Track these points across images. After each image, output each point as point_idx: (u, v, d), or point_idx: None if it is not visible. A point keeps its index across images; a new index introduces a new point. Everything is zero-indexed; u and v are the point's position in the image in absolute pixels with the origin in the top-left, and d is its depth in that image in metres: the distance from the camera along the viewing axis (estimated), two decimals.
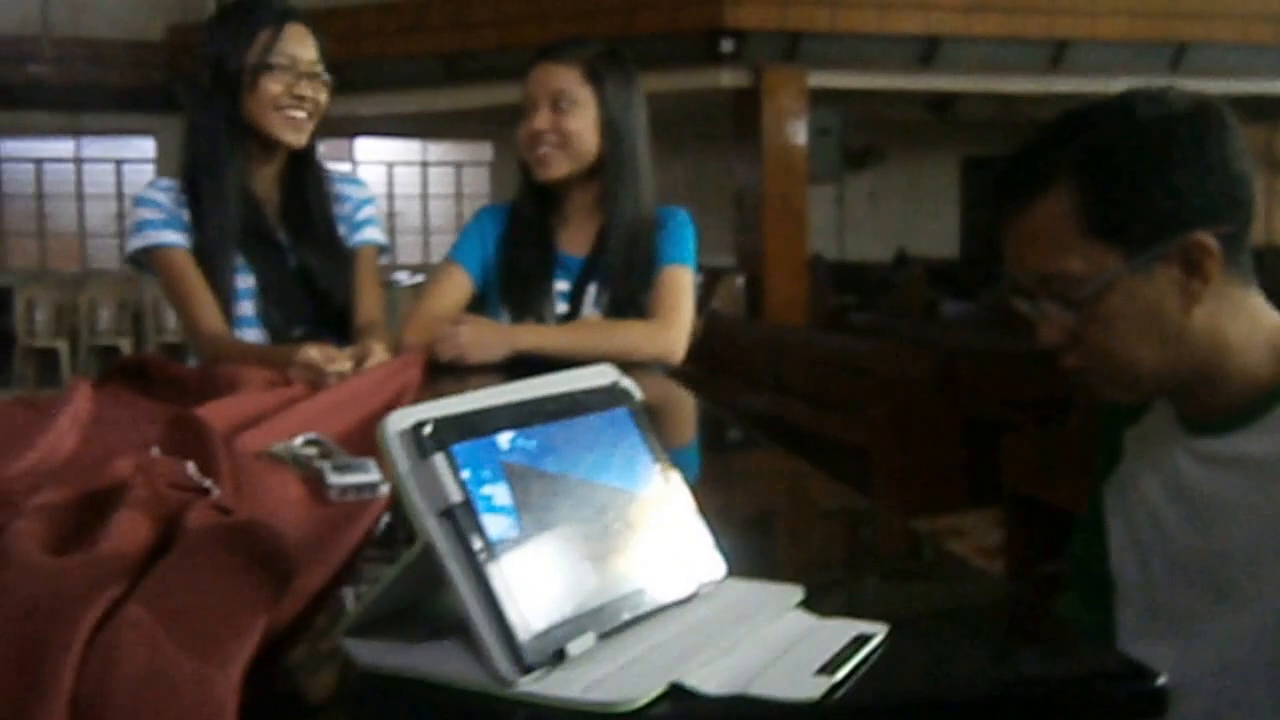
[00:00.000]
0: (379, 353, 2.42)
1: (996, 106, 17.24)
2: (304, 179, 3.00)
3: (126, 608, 0.89)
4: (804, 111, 14.70)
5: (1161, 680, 0.97)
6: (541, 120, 2.92)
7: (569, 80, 2.93)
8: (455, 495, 0.94)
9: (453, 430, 0.97)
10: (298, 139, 2.90)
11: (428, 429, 0.95)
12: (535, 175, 2.97)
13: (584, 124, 2.93)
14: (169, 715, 0.82)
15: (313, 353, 2.30)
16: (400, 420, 0.96)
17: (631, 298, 2.95)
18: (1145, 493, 1.83)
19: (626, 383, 1.18)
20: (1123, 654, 1.05)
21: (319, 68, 2.91)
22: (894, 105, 17.71)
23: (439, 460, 0.95)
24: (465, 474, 0.95)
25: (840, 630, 1.04)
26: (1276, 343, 1.69)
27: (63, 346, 16.25)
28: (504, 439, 1.01)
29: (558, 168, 2.95)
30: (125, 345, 15.97)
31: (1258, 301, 1.70)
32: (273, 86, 2.84)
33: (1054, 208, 1.65)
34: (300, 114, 2.88)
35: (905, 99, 17.10)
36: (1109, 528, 1.92)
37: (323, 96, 2.93)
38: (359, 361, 2.36)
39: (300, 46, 2.89)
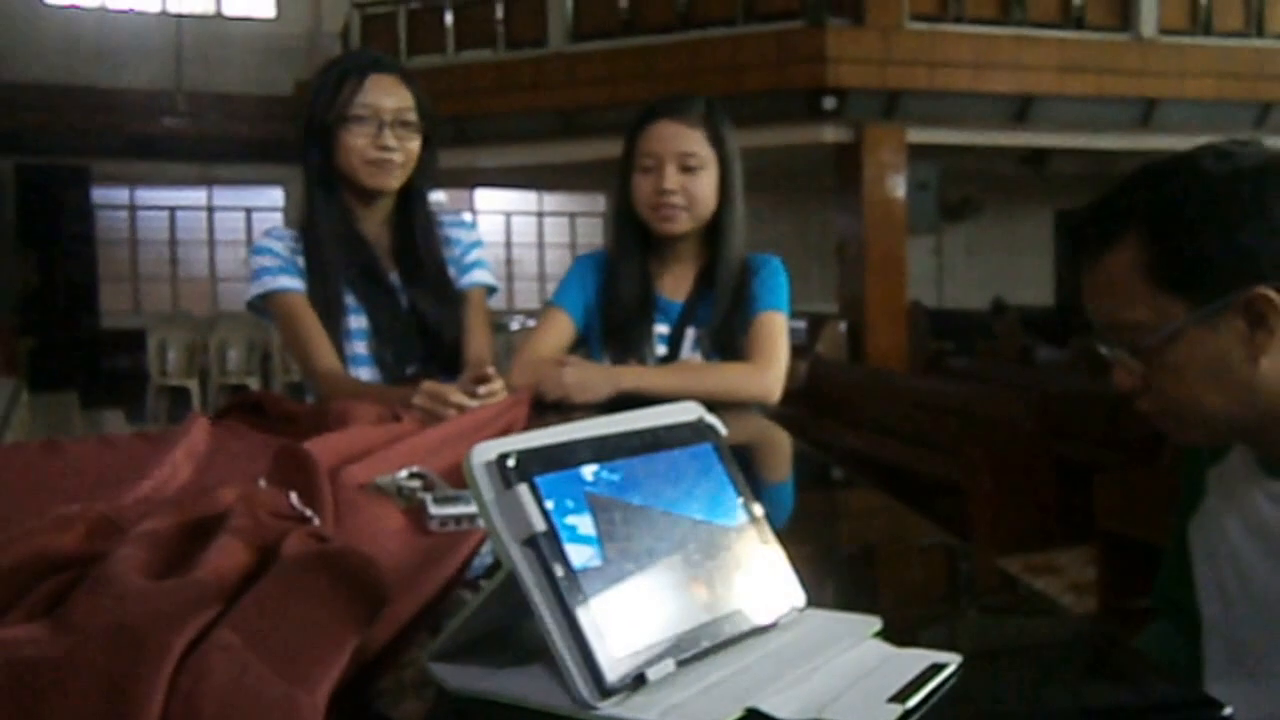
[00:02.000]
0: (494, 378, 2.39)
1: (1088, 162, 17.09)
2: (412, 221, 2.98)
3: (218, 630, 0.88)
4: (903, 166, 14.68)
5: (1228, 712, 0.94)
6: (670, 180, 2.90)
7: (696, 142, 2.92)
8: (539, 524, 0.93)
9: (537, 462, 0.96)
10: (385, 184, 2.88)
11: (512, 460, 0.94)
12: (657, 230, 2.96)
13: (709, 185, 2.93)
14: None
15: (430, 387, 2.31)
16: (485, 452, 0.95)
17: (730, 341, 2.93)
18: (1226, 531, 1.79)
19: (711, 419, 1.17)
20: (1190, 686, 1.02)
21: (410, 115, 2.88)
22: (989, 160, 17.63)
23: (523, 490, 0.93)
24: (549, 504, 0.94)
25: (914, 660, 1.02)
26: None
27: (193, 385, 16.46)
28: (588, 471, 1.00)
29: (682, 226, 2.94)
30: (253, 384, 16.14)
31: None
32: (355, 140, 2.84)
33: (1122, 259, 1.64)
34: (393, 157, 2.86)
35: (1000, 154, 17.02)
36: (1195, 564, 1.88)
37: (413, 144, 2.90)
38: (477, 381, 2.35)
39: (385, 96, 2.86)
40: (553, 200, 22.22)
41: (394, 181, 2.89)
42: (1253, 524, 1.74)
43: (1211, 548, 1.83)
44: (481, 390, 2.34)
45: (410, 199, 2.98)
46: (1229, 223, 1.57)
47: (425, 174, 2.98)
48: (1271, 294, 1.56)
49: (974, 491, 7.74)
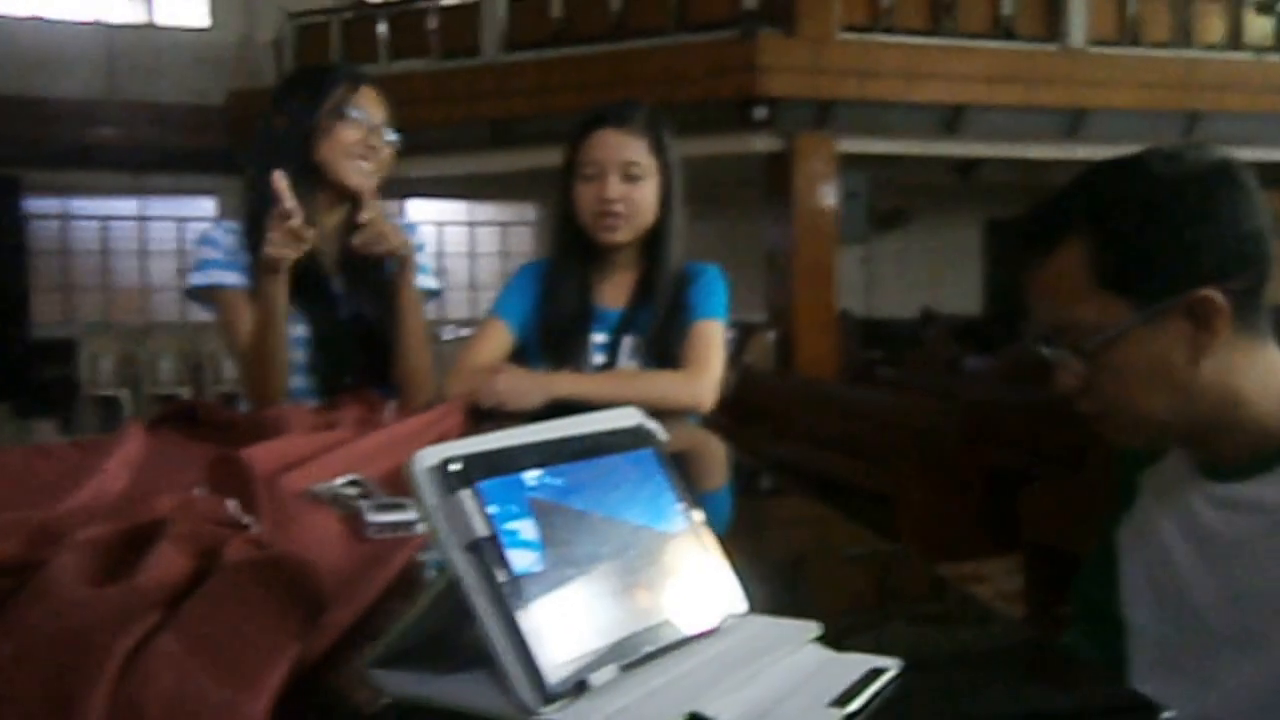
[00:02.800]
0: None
1: (1017, 171, 17.23)
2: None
3: (159, 637, 0.88)
4: (833, 175, 14.75)
5: (1168, 715, 0.95)
6: (613, 189, 2.90)
7: (639, 152, 2.92)
8: (481, 529, 0.93)
9: (480, 467, 0.96)
10: (365, 184, 2.91)
11: (455, 465, 0.94)
12: (599, 239, 2.96)
13: (651, 194, 2.94)
14: None
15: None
16: (428, 457, 0.95)
17: (666, 349, 2.93)
18: (1160, 534, 1.80)
19: (651, 424, 1.17)
20: (1131, 689, 1.03)
21: (388, 131, 2.98)
22: (919, 170, 17.73)
23: (466, 495, 0.94)
24: (492, 509, 0.94)
25: (855, 664, 1.03)
26: None
27: (125, 395, 16.35)
28: (530, 476, 1.00)
29: (624, 235, 2.94)
30: (185, 394, 16.07)
31: (1273, 355, 1.68)
32: (348, 134, 2.90)
33: (1068, 260, 1.64)
34: (367, 165, 2.93)
35: (930, 164, 17.12)
36: (1122, 570, 1.89)
37: (388, 155, 2.98)
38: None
39: (374, 106, 2.96)
40: (485, 210, 22.18)
41: (369, 185, 2.92)
42: (1188, 527, 1.75)
43: (1143, 550, 1.85)
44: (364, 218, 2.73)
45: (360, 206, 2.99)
46: (1175, 224, 1.59)
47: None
48: (1216, 296, 1.57)
49: (902, 501, 7.78)
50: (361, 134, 2.91)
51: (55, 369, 17.99)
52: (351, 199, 2.96)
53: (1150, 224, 1.60)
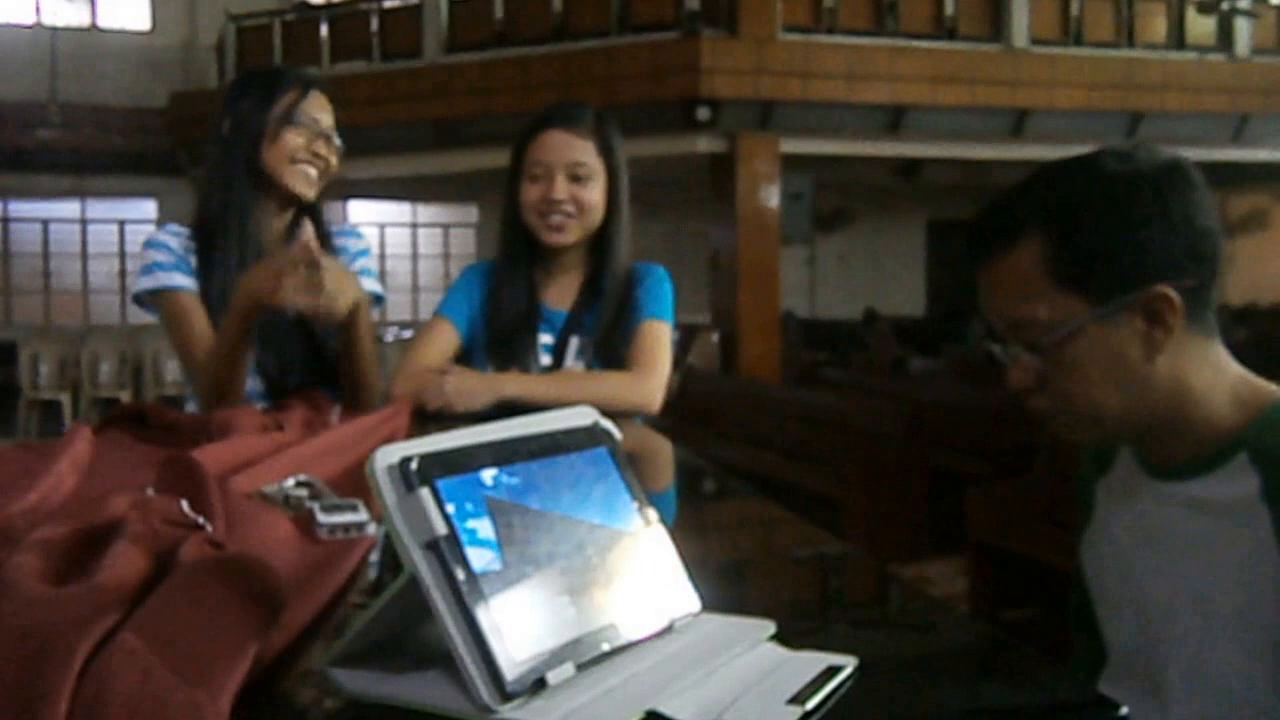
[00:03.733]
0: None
1: (961, 172, 17.37)
2: (306, 229, 2.99)
3: (120, 635, 0.88)
4: (776, 176, 14.81)
5: (1123, 712, 0.96)
6: (560, 190, 2.90)
7: (586, 153, 2.93)
8: (440, 528, 0.93)
9: (438, 465, 0.97)
10: (308, 192, 2.92)
11: (414, 464, 0.95)
12: (545, 240, 2.96)
13: (598, 196, 2.94)
14: None
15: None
16: (388, 455, 0.95)
17: (613, 350, 2.94)
18: (1117, 540, 1.83)
19: (606, 423, 1.18)
20: (1087, 686, 1.04)
21: (334, 134, 2.97)
22: (862, 171, 17.84)
23: (424, 494, 0.94)
24: (450, 508, 0.95)
25: (811, 662, 1.04)
26: (1239, 392, 1.70)
27: (65, 398, 16.23)
28: (488, 475, 1.01)
29: (571, 235, 2.94)
30: (125, 397, 15.94)
31: (1221, 353, 1.71)
32: (295, 139, 2.88)
33: (1022, 257, 1.67)
34: (313, 171, 2.93)
35: (873, 165, 17.22)
36: (1091, 585, 1.92)
37: (334, 160, 2.97)
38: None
39: (321, 112, 2.95)
40: (427, 212, 22.15)
41: (312, 192, 2.94)
42: (1140, 528, 1.78)
43: (1101, 561, 1.87)
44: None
45: (309, 211, 3.02)
46: (1130, 222, 1.62)
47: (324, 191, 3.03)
48: (1170, 293, 1.60)
49: (847, 503, 7.81)
50: (307, 139, 2.91)
51: None
52: (297, 204, 2.97)
53: (1105, 222, 1.62)
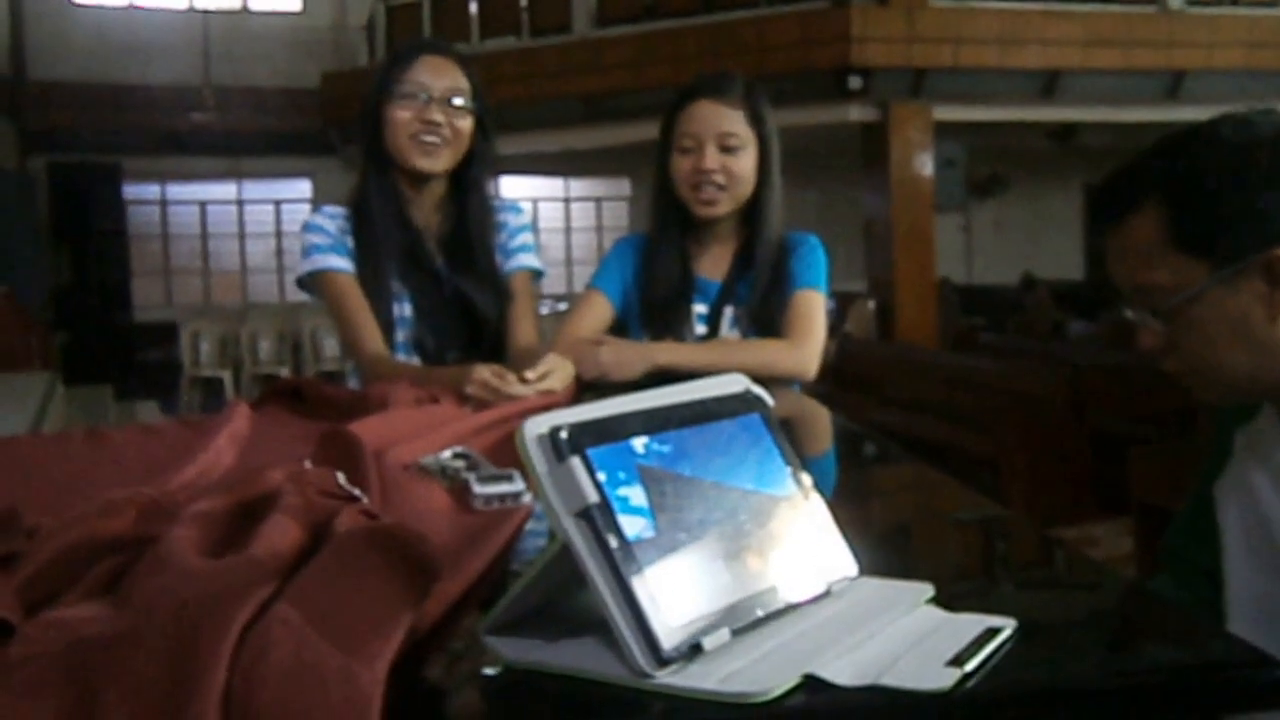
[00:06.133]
0: (558, 367, 2.36)
1: (1116, 135, 16.99)
2: (465, 206, 2.95)
3: (276, 606, 0.88)
4: (929, 143, 14.64)
5: None
6: (710, 160, 2.87)
7: (736, 123, 2.89)
8: (592, 496, 0.93)
9: (589, 435, 0.96)
10: (431, 165, 2.85)
11: (564, 433, 0.94)
12: (697, 212, 2.93)
13: (749, 166, 2.90)
14: (316, 707, 0.81)
15: (484, 373, 2.28)
16: (538, 425, 0.95)
17: (768, 320, 2.91)
18: (1255, 490, 1.79)
19: (758, 390, 1.17)
20: (1246, 643, 1.01)
21: (459, 95, 2.86)
22: (1016, 136, 17.55)
23: (575, 463, 0.93)
24: (601, 476, 0.94)
25: (970, 624, 1.02)
26: None
27: (226, 375, 16.52)
28: (639, 443, 1.00)
29: (723, 207, 2.91)
30: (284, 373, 16.10)
31: None
32: (400, 114, 2.81)
33: (1144, 224, 1.67)
34: (433, 139, 2.83)
35: (1027, 130, 16.94)
36: (1223, 530, 1.87)
37: (462, 123, 2.86)
38: (539, 378, 2.29)
39: (434, 76, 2.84)
40: (579, 186, 22.24)
41: (439, 164, 2.86)
42: (1277, 478, 1.74)
43: (1239, 509, 1.83)
44: (532, 376, 2.30)
45: (464, 186, 2.95)
46: (1247, 188, 1.60)
47: (482, 162, 2.96)
48: None
49: (1007, 466, 7.70)
50: (416, 109, 2.82)
51: (157, 351, 18.28)
52: (434, 177, 2.90)
53: (1223, 188, 1.62)
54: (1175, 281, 1.64)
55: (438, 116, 2.82)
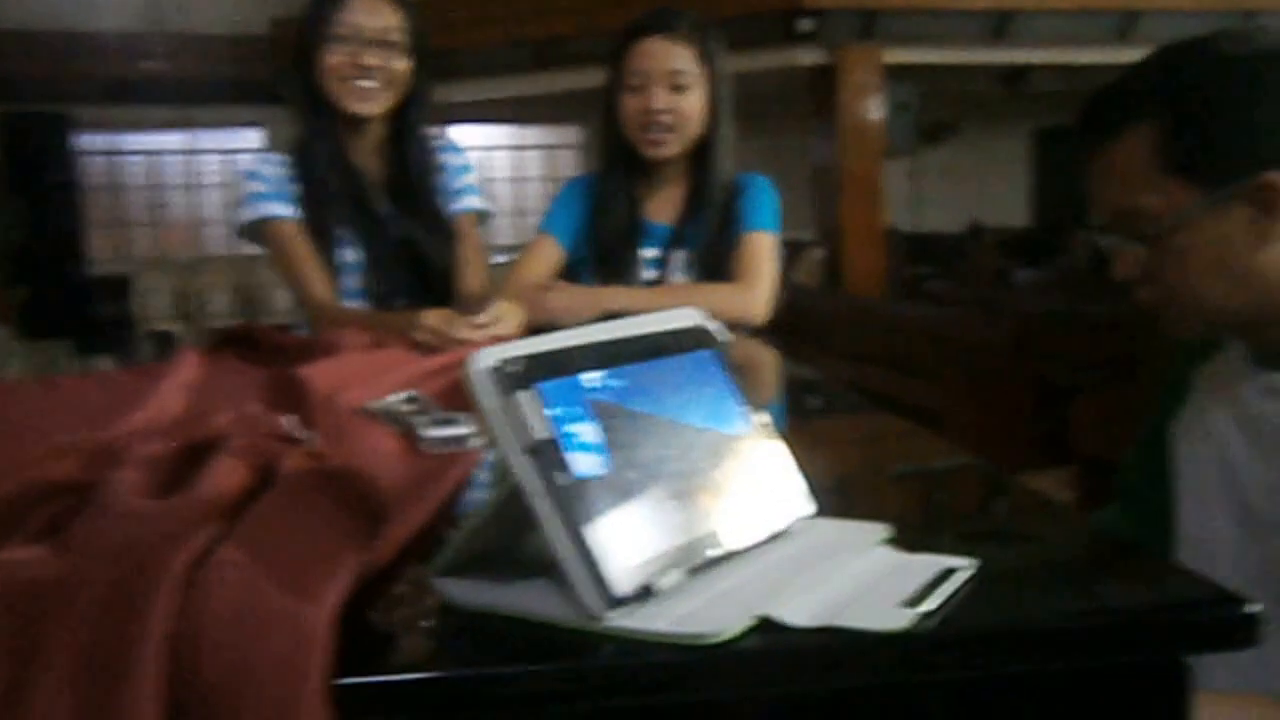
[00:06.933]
0: (507, 313, 2.36)
1: (1067, 78, 16.99)
2: (404, 149, 2.91)
3: (222, 547, 0.87)
4: (880, 87, 14.59)
5: (1254, 608, 0.92)
6: (659, 99, 2.84)
7: (685, 60, 2.86)
8: (542, 432, 0.90)
9: (540, 368, 0.93)
10: (367, 109, 2.80)
11: (514, 366, 0.92)
12: (645, 154, 2.90)
13: (698, 105, 2.87)
14: (262, 649, 0.80)
15: (432, 319, 2.26)
16: (486, 358, 0.92)
17: (718, 263, 2.89)
18: (1214, 427, 1.78)
19: (711, 325, 1.15)
20: (1213, 583, 1.00)
21: (394, 36, 2.79)
22: (967, 79, 17.54)
23: (525, 397, 0.91)
24: (552, 411, 0.92)
25: (927, 564, 1.01)
26: None
27: (179, 328, 16.43)
28: (591, 377, 0.98)
29: (671, 149, 2.89)
30: None
31: None
32: (331, 57, 2.76)
33: (1135, 144, 1.62)
34: (368, 83, 2.78)
35: (978, 73, 16.93)
36: (1178, 471, 1.87)
37: (398, 65, 2.81)
38: (488, 324, 2.29)
39: (367, 16, 2.78)
40: (530, 134, 22.12)
41: (375, 107, 2.81)
42: (1241, 418, 1.73)
43: (1196, 450, 1.82)
44: (483, 319, 2.29)
45: (403, 130, 2.90)
46: (1246, 104, 1.56)
47: (419, 105, 2.91)
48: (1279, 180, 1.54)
49: (952, 416, 7.74)
50: (350, 52, 2.76)
51: (111, 305, 18.10)
52: (366, 122, 2.84)
53: (1222, 105, 1.57)
54: (1162, 205, 1.60)
55: (371, 59, 2.77)
